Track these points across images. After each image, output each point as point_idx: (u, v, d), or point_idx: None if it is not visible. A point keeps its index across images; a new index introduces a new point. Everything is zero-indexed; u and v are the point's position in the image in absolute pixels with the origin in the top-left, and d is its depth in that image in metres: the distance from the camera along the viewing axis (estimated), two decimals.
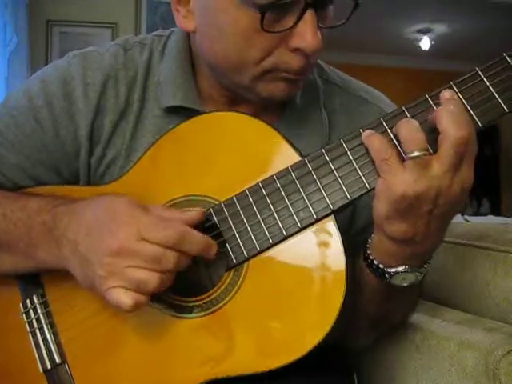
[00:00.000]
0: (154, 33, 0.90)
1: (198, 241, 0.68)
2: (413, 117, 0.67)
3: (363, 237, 0.75)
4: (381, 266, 0.70)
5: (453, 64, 5.68)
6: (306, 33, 0.71)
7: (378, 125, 0.68)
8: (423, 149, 0.62)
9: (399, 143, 0.65)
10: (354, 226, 0.86)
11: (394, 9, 5.08)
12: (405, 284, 0.70)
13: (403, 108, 0.68)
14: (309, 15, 0.71)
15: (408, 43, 6.01)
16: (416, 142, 0.62)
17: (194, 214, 0.71)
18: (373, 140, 0.65)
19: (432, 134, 0.64)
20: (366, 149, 0.67)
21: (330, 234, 0.68)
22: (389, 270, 0.69)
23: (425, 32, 5.75)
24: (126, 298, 0.66)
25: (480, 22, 5.28)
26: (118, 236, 0.66)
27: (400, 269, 0.69)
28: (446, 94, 0.65)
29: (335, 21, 0.76)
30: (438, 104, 0.66)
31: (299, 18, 0.71)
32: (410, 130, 0.63)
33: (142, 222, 0.67)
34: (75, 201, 0.75)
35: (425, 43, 5.90)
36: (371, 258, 0.70)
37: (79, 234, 0.70)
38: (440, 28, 5.64)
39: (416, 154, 0.62)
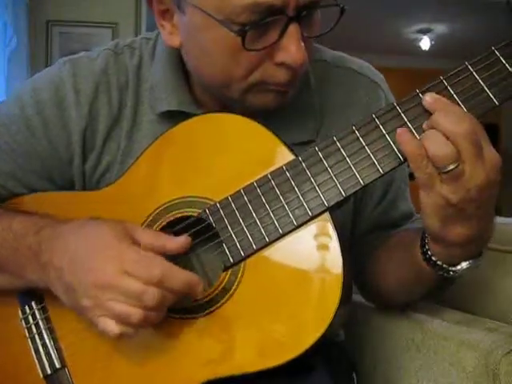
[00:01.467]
0: (141, 35, 0.90)
1: (182, 279, 0.68)
2: (404, 112, 0.67)
3: (380, 208, 0.84)
4: (445, 265, 0.70)
5: (453, 64, 5.65)
6: (291, 47, 0.69)
7: (370, 121, 0.68)
8: (455, 161, 0.61)
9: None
10: (368, 205, 0.88)
11: (394, 9, 5.08)
12: (466, 272, 0.71)
13: (395, 104, 0.68)
14: (292, 29, 0.69)
15: (408, 43, 6.02)
16: (448, 158, 0.61)
17: (181, 241, 0.71)
18: (410, 146, 0.63)
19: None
20: (360, 146, 0.68)
21: (326, 232, 0.68)
22: (454, 268, 0.70)
23: (425, 32, 5.76)
24: (112, 327, 0.67)
25: (480, 21, 5.28)
26: (102, 270, 0.67)
27: (464, 264, 0.70)
28: (427, 98, 0.65)
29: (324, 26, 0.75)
30: None
31: (282, 33, 0.69)
32: (438, 145, 0.62)
33: (127, 256, 0.67)
34: (60, 223, 0.75)
35: (425, 43, 5.90)
36: (434, 259, 0.70)
37: (64, 261, 0.70)
38: (440, 28, 5.64)
39: (450, 167, 0.61)
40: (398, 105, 0.67)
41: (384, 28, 5.59)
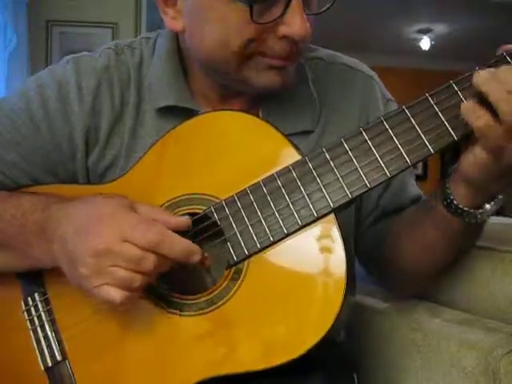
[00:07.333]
0: (141, 35, 0.92)
1: (178, 245, 0.68)
2: (413, 116, 0.67)
3: (388, 195, 0.88)
4: (472, 210, 0.71)
5: (453, 64, 5.68)
6: (294, 20, 0.72)
7: (378, 123, 0.68)
8: None
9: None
10: (371, 196, 0.90)
11: (394, 9, 5.08)
12: (488, 217, 0.72)
13: (403, 107, 0.68)
14: (295, 3, 0.71)
15: (408, 43, 6.02)
16: None
17: (181, 219, 0.71)
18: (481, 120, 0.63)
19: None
20: (368, 147, 0.68)
21: (331, 233, 0.68)
22: (480, 211, 0.71)
23: (425, 32, 5.75)
24: (114, 294, 0.67)
25: (480, 21, 5.28)
26: (102, 237, 0.67)
27: (488, 206, 0.71)
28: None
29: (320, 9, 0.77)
30: (438, 103, 0.66)
31: (286, 7, 0.71)
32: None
33: (126, 223, 0.68)
34: (68, 200, 0.76)
35: (425, 43, 5.90)
36: (460, 206, 0.71)
37: (68, 232, 0.71)
38: (440, 28, 5.64)
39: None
40: (406, 108, 0.68)
41: (384, 28, 5.59)
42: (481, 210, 0.71)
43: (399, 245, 0.84)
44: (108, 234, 0.67)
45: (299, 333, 0.67)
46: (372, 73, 0.95)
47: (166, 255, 0.68)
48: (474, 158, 0.66)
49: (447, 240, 0.76)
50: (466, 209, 0.71)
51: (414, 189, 0.93)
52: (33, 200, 0.78)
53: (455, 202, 0.71)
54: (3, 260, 0.81)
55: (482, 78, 0.63)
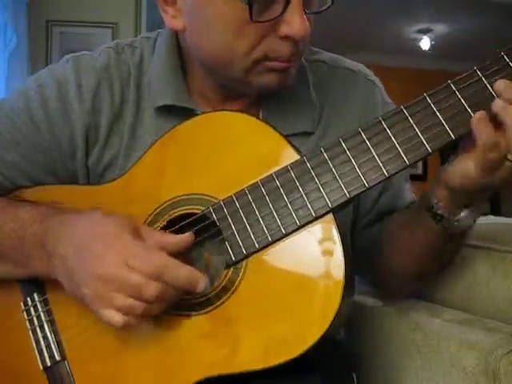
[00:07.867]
0: (141, 35, 0.92)
1: (182, 274, 0.68)
2: (411, 116, 0.67)
3: (384, 199, 0.88)
4: (450, 217, 0.72)
5: (453, 64, 5.68)
6: (294, 20, 0.72)
7: (376, 123, 0.68)
8: None
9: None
10: (368, 197, 0.90)
11: (394, 9, 5.08)
12: (466, 223, 0.73)
13: (401, 107, 0.68)
14: (295, 2, 0.71)
15: (408, 43, 6.02)
16: None
17: (184, 237, 0.72)
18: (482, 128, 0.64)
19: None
20: (366, 147, 0.68)
21: (329, 233, 0.68)
22: (456, 217, 0.72)
23: (425, 32, 5.76)
24: (116, 319, 0.67)
25: (480, 21, 5.28)
26: (105, 261, 0.68)
27: (463, 214, 0.72)
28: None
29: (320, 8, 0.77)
30: (436, 103, 0.66)
31: (286, 5, 0.71)
32: None
33: (129, 249, 0.68)
34: (67, 212, 0.76)
35: (425, 43, 5.90)
36: (438, 211, 0.72)
37: (69, 250, 0.71)
38: (440, 28, 5.64)
39: None
40: (404, 108, 0.68)
41: (384, 28, 5.59)
42: (457, 217, 0.72)
43: (389, 246, 0.85)
44: (111, 259, 0.67)
45: (298, 332, 0.67)
46: (373, 77, 0.95)
47: (171, 283, 0.68)
48: (468, 175, 0.67)
49: (427, 243, 0.78)
50: (445, 215, 0.72)
51: (408, 194, 0.94)
52: (32, 212, 0.78)
53: (434, 209, 0.72)
54: (3, 269, 0.81)
55: (499, 105, 0.64)
